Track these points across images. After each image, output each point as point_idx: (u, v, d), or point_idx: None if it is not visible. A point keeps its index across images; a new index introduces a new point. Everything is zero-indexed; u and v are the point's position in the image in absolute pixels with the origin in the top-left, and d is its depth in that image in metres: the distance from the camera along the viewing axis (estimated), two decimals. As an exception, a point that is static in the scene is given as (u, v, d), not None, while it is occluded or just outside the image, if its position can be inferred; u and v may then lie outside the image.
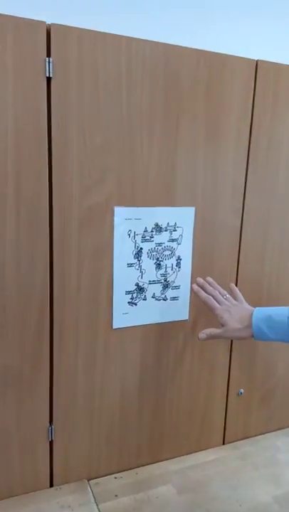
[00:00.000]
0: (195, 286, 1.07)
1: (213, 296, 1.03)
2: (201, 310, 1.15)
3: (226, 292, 1.06)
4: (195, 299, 1.15)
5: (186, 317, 1.15)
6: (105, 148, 0.97)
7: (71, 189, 0.96)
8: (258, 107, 1.11)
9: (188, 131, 1.05)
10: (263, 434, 1.36)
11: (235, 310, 0.99)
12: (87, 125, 0.94)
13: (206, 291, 1.05)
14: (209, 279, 1.09)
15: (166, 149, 1.03)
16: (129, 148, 0.99)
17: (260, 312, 0.94)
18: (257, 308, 0.96)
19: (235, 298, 1.05)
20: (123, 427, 1.15)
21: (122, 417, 1.14)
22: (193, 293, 1.08)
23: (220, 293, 1.05)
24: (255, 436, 1.35)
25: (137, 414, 1.16)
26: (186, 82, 1.02)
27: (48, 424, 1.06)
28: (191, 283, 1.13)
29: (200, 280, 1.08)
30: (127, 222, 1.03)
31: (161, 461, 1.22)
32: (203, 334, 1.00)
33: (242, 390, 1.28)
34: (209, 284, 1.07)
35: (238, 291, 1.07)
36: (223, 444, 1.31)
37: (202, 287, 1.07)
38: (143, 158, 1.01)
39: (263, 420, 1.35)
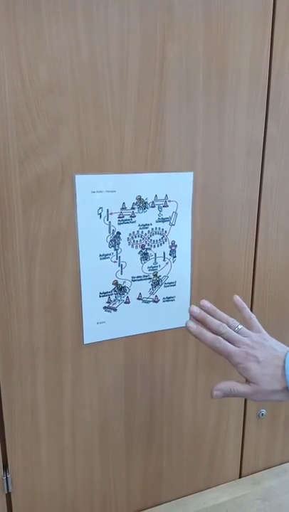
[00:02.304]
0: (192, 326, 0.66)
1: (219, 333, 0.65)
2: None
3: (234, 320, 0.68)
4: (197, 298, 0.85)
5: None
6: (55, 87, 0.66)
7: (6, 150, 0.65)
8: (280, 28, 0.78)
9: (181, 63, 0.73)
10: (291, 462, 1.08)
11: (266, 356, 0.63)
12: (24, 52, 0.63)
13: (207, 326, 0.66)
14: (206, 303, 0.69)
15: (148, 88, 0.71)
16: (93, 86, 0.68)
17: None
18: None
19: (250, 327, 0.68)
20: (106, 467, 0.87)
21: (104, 455, 0.86)
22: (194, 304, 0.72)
23: (229, 324, 0.67)
24: (281, 465, 1.07)
25: (124, 450, 0.88)
26: (174, -14, 0.69)
27: (3, 473, 0.79)
28: (192, 278, 0.83)
29: (195, 310, 0.67)
30: (96, 196, 0.72)
31: (160, 504, 0.95)
32: (218, 391, 0.65)
33: (263, 411, 1.00)
34: (208, 311, 0.68)
35: (254, 318, 0.70)
36: (240, 477, 1.03)
37: (201, 321, 0.67)
38: (114, 103, 0.70)
39: (290, 446, 1.07)
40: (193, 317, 0.67)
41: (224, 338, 0.64)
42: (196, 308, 0.67)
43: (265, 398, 0.63)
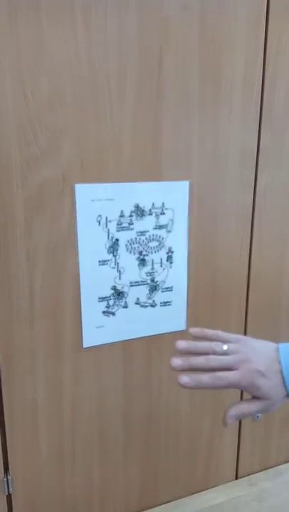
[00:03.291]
0: (188, 381, 0.59)
1: (212, 368, 0.59)
2: (204, 316, 0.87)
3: (217, 343, 0.62)
4: (193, 303, 0.87)
5: (183, 327, 0.87)
6: (55, 100, 0.68)
7: (9, 161, 0.68)
8: (274, 38, 0.80)
9: (177, 75, 0.75)
10: (287, 463, 1.10)
11: (266, 367, 0.59)
12: (25, 65, 0.65)
13: (197, 368, 0.60)
14: (182, 343, 0.62)
15: (146, 99, 0.74)
16: (92, 99, 0.70)
17: (287, 350, 0.60)
18: (280, 344, 0.61)
19: (227, 341, 0.63)
20: (104, 469, 0.89)
21: (103, 457, 0.88)
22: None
23: (215, 351, 0.61)
24: (276, 466, 1.09)
25: (122, 452, 0.90)
26: (172, 3, 0.72)
27: (3, 475, 0.81)
28: (188, 283, 0.86)
29: (177, 362, 0.60)
30: (95, 204, 0.75)
31: (157, 505, 0.97)
32: (232, 419, 0.60)
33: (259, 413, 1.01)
34: (188, 349, 0.62)
35: (220, 332, 0.64)
36: (236, 478, 1.05)
37: (190, 366, 0.60)
38: (112, 114, 0.72)
39: (284, 448, 1.08)
40: (175, 362, 0.61)
41: (219, 369, 0.60)
42: (178, 360, 0.61)
43: (276, 407, 0.61)
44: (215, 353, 0.61)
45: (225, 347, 0.62)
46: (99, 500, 0.90)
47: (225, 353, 0.61)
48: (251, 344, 0.63)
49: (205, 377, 0.59)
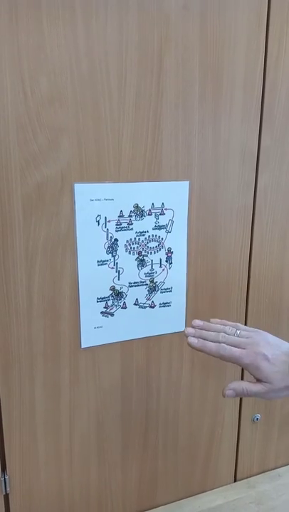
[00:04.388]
0: (194, 341, 0.66)
1: (220, 342, 0.65)
2: (203, 318, 0.86)
3: (230, 328, 0.68)
4: (193, 304, 0.87)
5: (182, 328, 0.87)
6: (55, 98, 0.68)
7: (8, 159, 0.67)
8: (275, 38, 0.80)
9: (177, 75, 0.75)
10: (285, 466, 1.09)
11: (274, 352, 0.62)
12: (26, 65, 0.65)
13: (206, 338, 0.67)
14: (198, 322, 0.69)
15: (146, 99, 0.74)
16: (92, 98, 0.70)
17: None
18: None
19: (244, 329, 0.68)
20: (102, 469, 0.88)
21: (101, 458, 0.88)
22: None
23: (226, 333, 0.67)
24: (275, 469, 1.08)
25: (120, 453, 0.89)
26: (172, 2, 0.72)
27: (1, 474, 0.80)
28: (188, 284, 0.85)
29: (191, 330, 0.67)
30: (94, 204, 0.74)
31: (154, 507, 0.96)
32: (231, 391, 0.64)
33: (258, 415, 1.01)
34: (202, 329, 0.68)
35: (239, 324, 0.69)
36: (235, 481, 1.04)
37: (199, 336, 0.67)
38: (112, 113, 0.72)
39: (283, 451, 1.08)
40: (189, 334, 0.67)
41: (227, 344, 0.65)
42: (191, 329, 0.68)
43: (277, 395, 0.63)
44: (226, 334, 0.66)
45: (238, 332, 0.66)
46: (96, 502, 0.90)
47: (237, 335, 0.66)
48: (266, 335, 0.66)
49: (211, 344, 0.65)
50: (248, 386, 0.63)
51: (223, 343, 0.65)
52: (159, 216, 0.80)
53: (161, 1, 0.71)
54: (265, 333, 0.67)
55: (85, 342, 0.79)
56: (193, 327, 0.68)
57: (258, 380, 0.63)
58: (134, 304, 0.82)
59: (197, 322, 0.69)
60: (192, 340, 0.66)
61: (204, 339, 0.66)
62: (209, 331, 0.67)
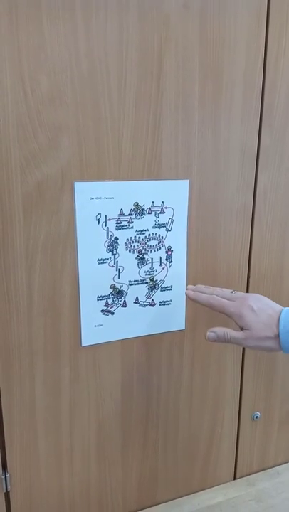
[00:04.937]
0: (190, 291, 0.78)
1: (213, 293, 0.75)
2: (203, 316, 0.87)
3: (227, 290, 0.76)
4: (193, 302, 0.87)
5: (183, 326, 0.87)
6: (55, 97, 0.68)
7: (8, 157, 0.68)
8: (274, 37, 0.80)
9: (177, 75, 0.75)
10: (285, 463, 1.09)
11: (260, 306, 0.68)
12: (26, 65, 0.65)
13: (202, 292, 0.77)
14: (201, 286, 0.80)
15: (146, 98, 0.74)
16: (92, 97, 0.70)
17: None
18: (287, 308, 0.68)
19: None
20: (103, 467, 0.89)
21: (101, 455, 0.88)
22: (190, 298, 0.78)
23: (222, 289, 0.76)
24: (275, 467, 1.08)
25: (120, 450, 0.90)
26: (173, 2, 0.72)
27: (2, 472, 0.81)
28: (187, 282, 0.85)
29: (190, 286, 0.80)
30: (95, 202, 0.75)
31: (154, 505, 0.97)
32: (212, 333, 0.70)
33: (258, 414, 1.02)
34: (199, 289, 0.79)
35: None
36: (234, 478, 1.05)
37: (199, 290, 0.78)
38: (112, 112, 0.72)
39: (283, 449, 1.08)
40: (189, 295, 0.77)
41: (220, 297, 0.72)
42: (192, 286, 0.80)
43: (256, 344, 0.67)
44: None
45: (234, 292, 0.73)
46: (97, 499, 0.90)
47: (232, 293, 0.73)
48: (259, 295, 0.71)
49: (203, 295, 0.75)
50: (229, 331, 0.69)
51: (217, 295, 0.73)
52: (159, 215, 0.80)
53: (161, 0, 0.71)
54: (259, 295, 0.72)
55: (86, 340, 0.80)
56: (190, 288, 0.79)
57: (241, 329, 0.68)
58: (135, 303, 0.82)
59: (192, 287, 0.80)
60: (188, 291, 0.78)
61: (201, 291, 0.76)
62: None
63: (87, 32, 0.68)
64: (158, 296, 0.84)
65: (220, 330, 0.70)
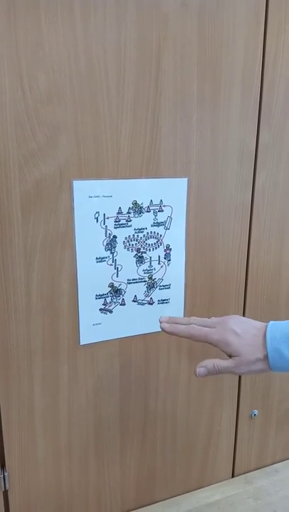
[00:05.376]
0: (165, 325, 0.69)
1: (191, 323, 0.67)
2: (200, 314, 0.86)
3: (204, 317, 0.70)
4: (191, 301, 0.87)
5: (181, 325, 0.87)
6: (53, 96, 0.68)
7: (7, 156, 0.67)
8: (273, 35, 0.80)
9: (176, 73, 0.75)
10: (283, 461, 1.10)
11: (243, 327, 0.65)
12: (24, 62, 0.65)
13: (177, 323, 0.69)
14: (173, 318, 0.71)
15: (144, 97, 0.74)
16: (90, 95, 0.70)
17: (276, 329, 0.63)
18: (270, 322, 0.65)
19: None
20: (101, 465, 0.89)
21: (99, 454, 0.88)
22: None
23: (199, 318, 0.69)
24: (273, 464, 1.09)
25: (118, 449, 0.90)
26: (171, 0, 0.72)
27: (0, 471, 0.80)
28: (186, 280, 0.85)
29: (164, 318, 0.70)
30: (93, 201, 0.75)
31: (153, 503, 0.97)
32: (202, 368, 0.64)
33: (256, 412, 1.02)
34: (174, 320, 0.70)
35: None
36: (233, 476, 1.05)
37: (174, 322, 0.70)
38: (111, 111, 0.72)
39: (281, 447, 1.08)
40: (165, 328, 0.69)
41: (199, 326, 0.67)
42: (165, 317, 0.70)
43: (248, 369, 0.63)
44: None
45: (211, 318, 0.67)
46: (95, 498, 0.90)
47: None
48: (237, 316, 0.67)
49: (181, 326, 0.67)
50: (218, 362, 0.64)
51: (196, 324, 0.67)
52: (158, 213, 0.80)
53: (159, -2, 0.71)
54: (237, 315, 0.68)
55: (84, 339, 0.80)
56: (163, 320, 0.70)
57: (230, 356, 0.64)
58: (133, 301, 0.82)
59: (164, 318, 0.70)
60: (163, 324, 0.69)
61: (178, 322, 0.69)
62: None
63: (85, 30, 0.67)
64: (156, 294, 0.84)
65: (209, 363, 0.65)
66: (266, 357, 0.61)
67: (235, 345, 0.63)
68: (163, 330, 0.68)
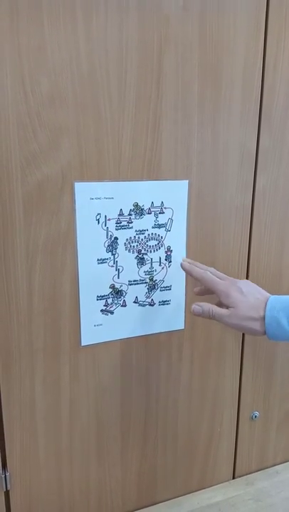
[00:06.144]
0: (185, 263, 0.78)
1: (207, 269, 0.76)
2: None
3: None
4: (192, 302, 0.87)
5: (182, 326, 0.88)
6: (55, 98, 0.69)
7: (9, 158, 0.68)
8: (273, 38, 0.81)
9: (177, 75, 0.76)
10: (284, 463, 1.10)
11: (249, 289, 0.70)
12: (27, 66, 0.66)
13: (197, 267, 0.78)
14: (197, 262, 0.81)
15: (146, 99, 0.74)
16: (92, 97, 0.71)
17: (277, 300, 0.68)
18: (274, 295, 0.70)
19: None
20: (102, 466, 0.89)
21: (100, 455, 0.88)
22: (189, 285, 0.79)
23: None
24: (274, 466, 1.09)
25: (119, 450, 0.90)
26: (172, 3, 0.72)
27: (1, 471, 0.81)
28: (186, 282, 0.86)
29: (186, 258, 0.82)
30: (94, 202, 0.75)
31: (154, 504, 0.97)
32: (198, 307, 0.72)
33: (257, 413, 1.02)
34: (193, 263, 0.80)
35: None
36: (233, 478, 1.05)
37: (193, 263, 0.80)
38: (112, 113, 0.73)
39: (282, 448, 1.08)
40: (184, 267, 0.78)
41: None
42: (186, 259, 0.81)
43: (239, 323, 0.68)
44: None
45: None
46: (96, 498, 0.90)
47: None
48: (250, 282, 0.74)
49: (197, 269, 0.75)
50: (214, 307, 0.70)
51: (210, 271, 0.74)
52: (159, 215, 0.80)
53: (160, 1, 0.72)
54: (249, 281, 0.74)
55: (85, 340, 0.80)
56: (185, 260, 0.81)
57: (227, 308, 0.70)
58: (134, 302, 0.83)
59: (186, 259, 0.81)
60: (184, 262, 0.78)
61: (194, 264, 0.78)
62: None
63: (87, 33, 0.68)
64: (157, 295, 0.84)
65: (206, 305, 0.71)
66: (262, 318, 0.66)
67: (234, 298, 0.68)
68: (182, 267, 0.77)
